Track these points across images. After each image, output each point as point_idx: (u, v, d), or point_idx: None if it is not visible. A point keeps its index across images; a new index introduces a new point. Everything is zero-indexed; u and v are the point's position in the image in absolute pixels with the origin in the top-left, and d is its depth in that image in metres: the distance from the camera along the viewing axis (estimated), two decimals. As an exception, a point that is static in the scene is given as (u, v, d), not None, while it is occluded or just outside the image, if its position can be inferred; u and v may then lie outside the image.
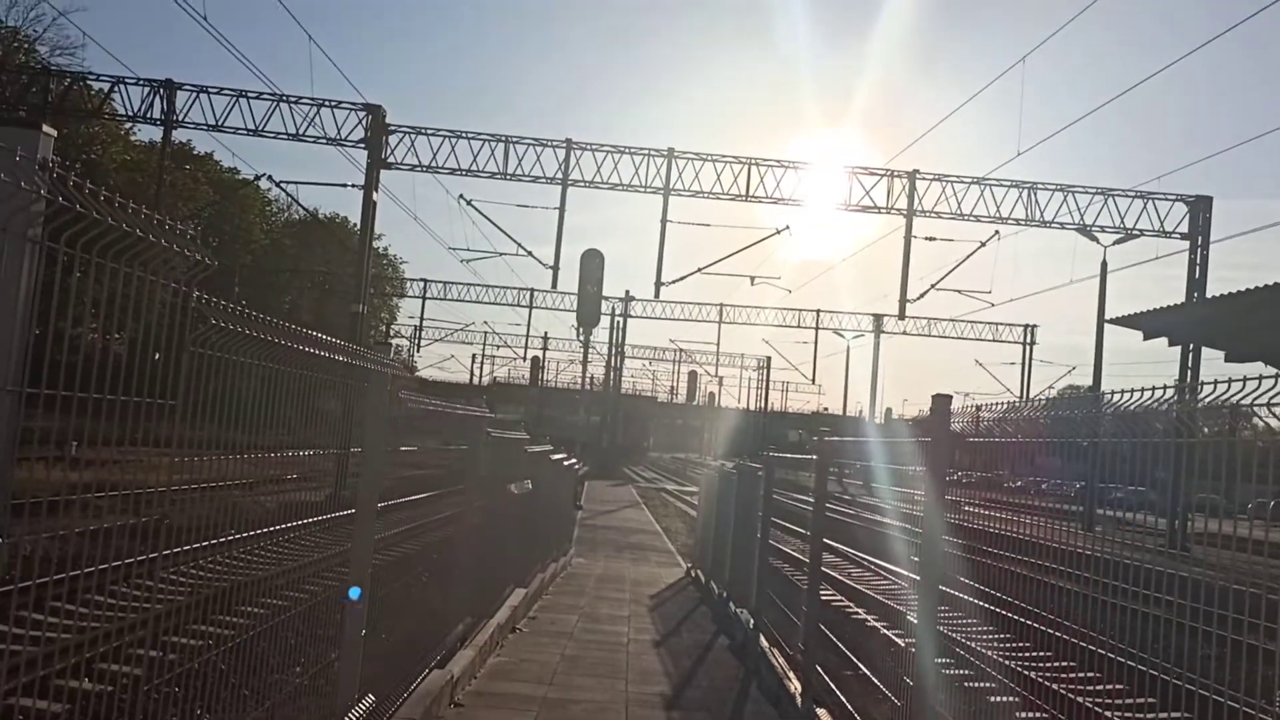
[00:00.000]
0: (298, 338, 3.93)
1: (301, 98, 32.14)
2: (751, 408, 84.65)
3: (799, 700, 8.41)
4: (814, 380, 73.25)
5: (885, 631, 7.03)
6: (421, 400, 7.14)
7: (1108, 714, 6.46)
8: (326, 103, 32.23)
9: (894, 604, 7.23)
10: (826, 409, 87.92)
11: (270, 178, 36.16)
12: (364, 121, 32.39)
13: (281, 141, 32.58)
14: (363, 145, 32.43)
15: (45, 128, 2.46)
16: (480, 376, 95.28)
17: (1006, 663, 5.46)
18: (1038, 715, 6.80)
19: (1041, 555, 5.10)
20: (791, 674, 9.20)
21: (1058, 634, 4.95)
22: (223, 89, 32.35)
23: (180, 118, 32.56)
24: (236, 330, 3.39)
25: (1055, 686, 7.75)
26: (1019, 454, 5.55)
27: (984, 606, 5.39)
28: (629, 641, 11.89)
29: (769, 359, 77.84)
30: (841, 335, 67.67)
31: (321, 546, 6.92)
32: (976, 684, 5.44)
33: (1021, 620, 5.20)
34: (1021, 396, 58.25)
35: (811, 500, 9.33)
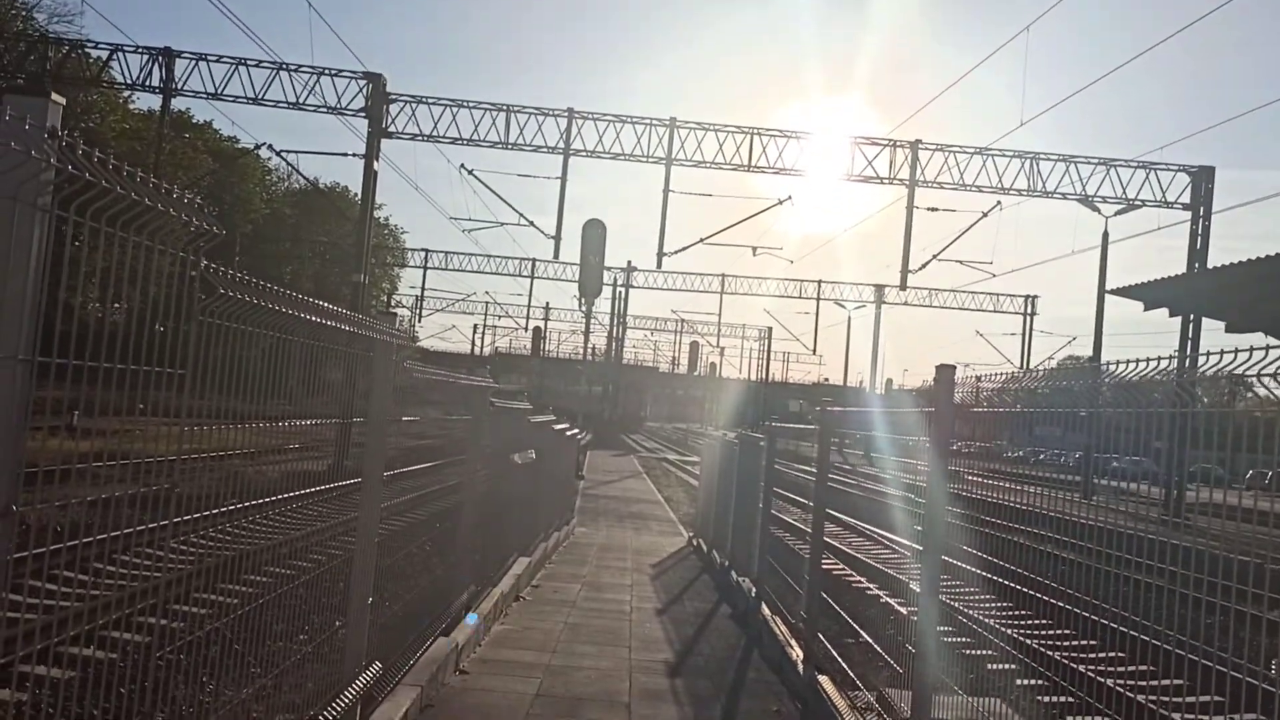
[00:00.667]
0: (305, 307, 3.94)
1: (301, 66, 32.00)
2: (753, 378, 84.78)
3: (801, 667, 8.48)
4: (815, 351, 73.37)
5: (887, 599, 7.08)
6: (427, 370, 7.16)
7: (1107, 681, 6.52)
8: (326, 71, 32.09)
9: (896, 573, 7.28)
10: (827, 379, 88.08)
11: (270, 146, 35.98)
12: (364, 90, 32.24)
13: (281, 110, 32.46)
14: (363, 114, 32.28)
15: (54, 95, 2.46)
16: (482, 347, 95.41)
17: (1007, 630, 5.51)
18: (1036, 681, 6.87)
19: (1041, 525, 5.13)
20: (793, 641, 9.28)
21: (1056, 602, 5.00)
22: (222, 57, 32.21)
23: (179, 86, 32.41)
24: (245, 299, 3.40)
25: (1055, 655, 7.82)
26: (1019, 424, 5.58)
27: (985, 576, 5.43)
28: (632, 610, 11.97)
29: (770, 329, 77.91)
30: (843, 306, 67.65)
31: (327, 515, 6.97)
32: (977, 651, 5.50)
33: (1021, 589, 5.24)
34: (1022, 367, 58.27)
35: (813, 470, 9.37)
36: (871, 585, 10.81)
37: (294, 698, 5.30)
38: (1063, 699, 7.23)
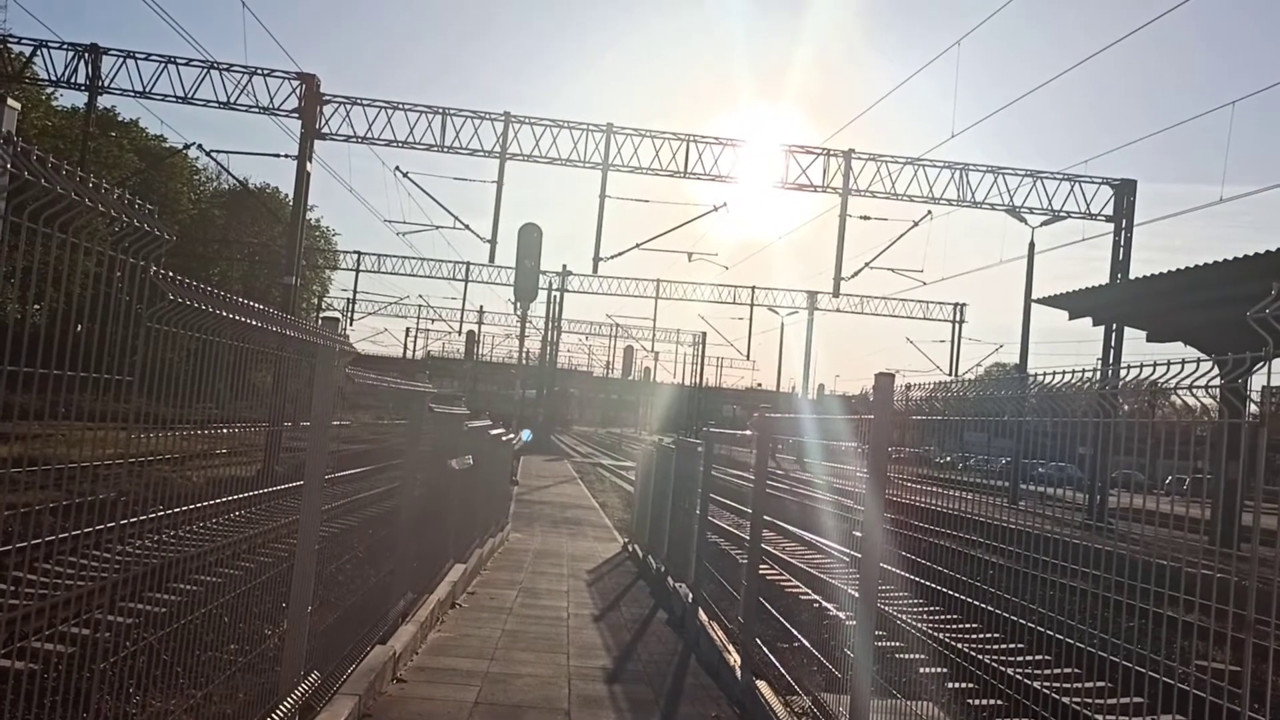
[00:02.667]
0: (251, 312, 3.91)
1: (233, 65, 31.48)
2: (687, 383, 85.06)
3: (738, 672, 8.56)
4: (748, 356, 73.78)
5: (824, 605, 7.18)
6: (370, 376, 7.11)
7: (1034, 684, 6.69)
8: (259, 71, 31.61)
9: (832, 579, 7.39)
10: (761, 385, 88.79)
11: (200, 146, 35.24)
12: (297, 91, 31.81)
13: (212, 110, 31.90)
14: (296, 115, 31.85)
15: (10, 101, 2.42)
16: (414, 351, 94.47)
17: (939, 635, 5.63)
18: (969, 685, 7.02)
19: (971, 530, 5.26)
20: (730, 647, 9.36)
21: (986, 606, 5.11)
22: (150, 55, 31.57)
23: (106, 83, 31.69)
24: (193, 305, 3.36)
25: (984, 658, 7.99)
26: (948, 431, 5.70)
27: (921, 582, 5.54)
28: (569, 616, 11.96)
29: (704, 335, 78.20)
30: (776, 312, 68.22)
31: (261, 521, 6.89)
32: (912, 656, 5.60)
33: (953, 594, 5.36)
34: (951, 374, 59.36)
35: (750, 476, 9.46)
36: (808, 590, 10.94)
37: (226, 708, 5.22)
38: (993, 701, 7.41)
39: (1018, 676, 7.24)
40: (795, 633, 7.76)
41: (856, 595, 5.93)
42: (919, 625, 5.52)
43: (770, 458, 9.10)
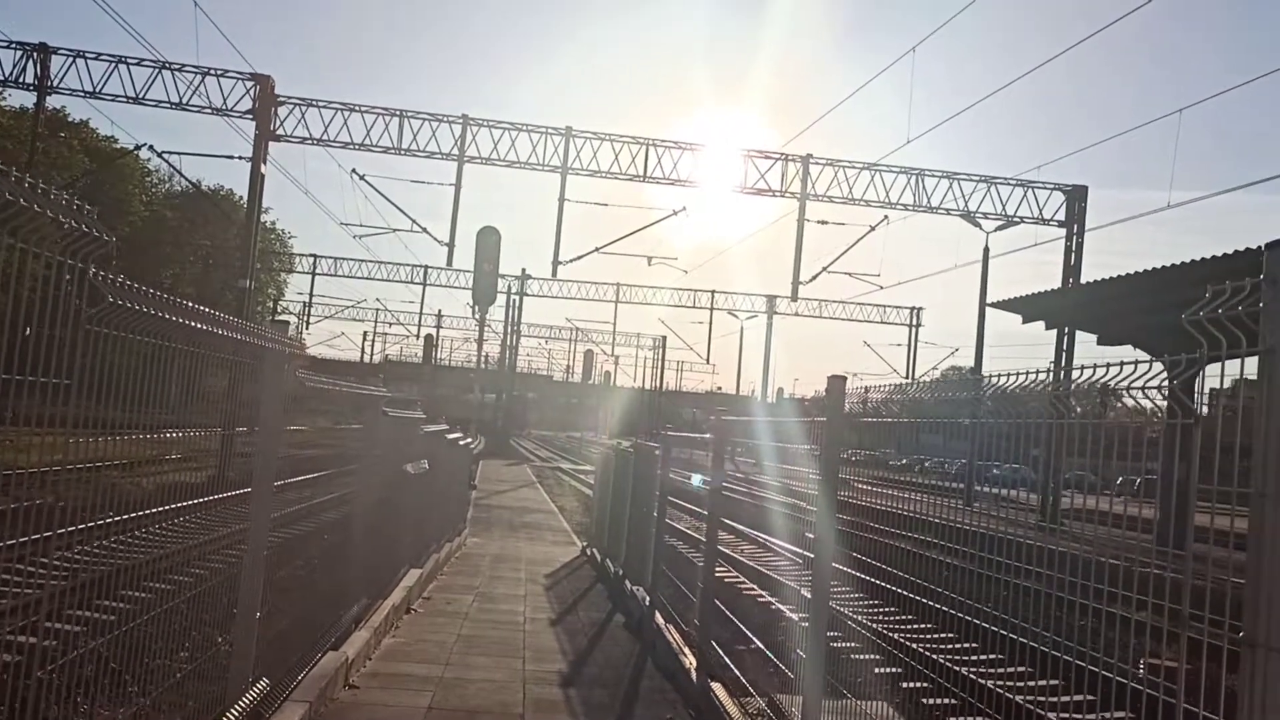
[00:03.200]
0: (195, 315, 3.85)
1: (185, 65, 31.11)
2: (647, 387, 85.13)
3: (694, 675, 8.57)
4: (708, 360, 73.95)
5: (779, 606, 7.21)
6: (319, 379, 7.04)
7: (987, 683, 6.76)
8: (212, 71, 31.28)
9: (787, 581, 7.42)
10: (721, 388, 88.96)
11: (151, 148, 34.71)
12: (251, 92, 31.52)
13: (164, 110, 31.47)
14: (250, 116, 31.57)
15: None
16: (372, 354, 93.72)
17: (892, 635, 5.67)
18: (922, 684, 7.07)
19: (924, 531, 5.31)
20: (687, 649, 9.36)
21: (939, 606, 5.16)
22: (100, 55, 31.15)
23: (55, 83, 31.21)
24: (134, 308, 3.31)
25: (936, 658, 8.05)
26: (906, 433, 5.74)
27: (872, 582, 5.58)
28: (525, 620, 11.92)
29: (664, 339, 78.39)
30: (735, 316, 68.46)
31: (211, 528, 6.79)
32: (865, 656, 5.63)
33: (906, 594, 5.40)
34: (908, 377, 59.85)
35: (708, 479, 9.47)
36: (764, 592, 10.98)
37: (174, 717, 5.16)
38: (945, 700, 7.46)
39: (970, 676, 7.31)
40: (750, 634, 7.77)
41: (809, 596, 5.97)
42: (871, 625, 5.55)
43: (728, 460, 9.15)
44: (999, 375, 4.21)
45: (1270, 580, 2.40)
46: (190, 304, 3.83)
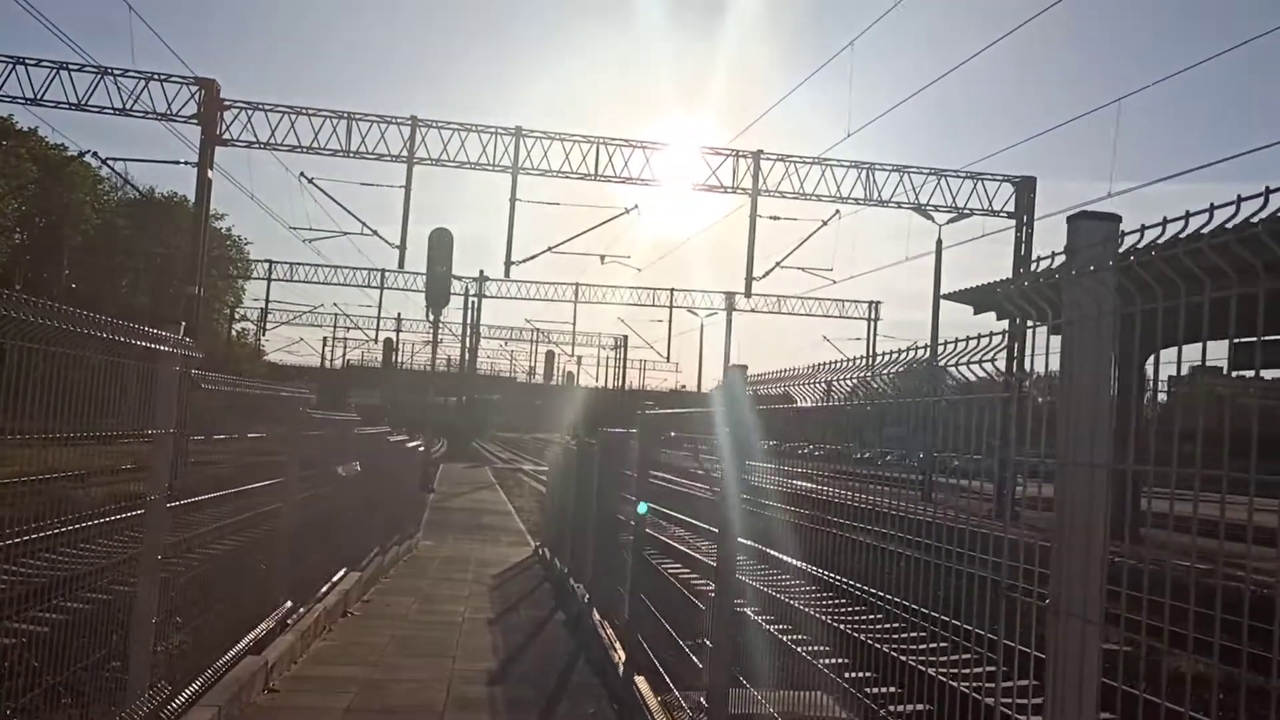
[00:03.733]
0: (40, 311, 3.78)
1: (128, 70, 30.71)
2: (610, 386, 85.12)
3: (621, 670, 8.57)
4: (669, 358, 74.09)
5: (692, 599, 7.22)
6: (223, 382, 6.96)
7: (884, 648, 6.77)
8: (155, 76, 30.87)
9: (694, 569, 7.43)
10: (684, 386, 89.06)
11: (95, 154, 34.38)
12: (196, 96, 31.16)
13: (108, 117, 31.06)
14: (195, 121, 31.19)
15: None
16: (332, 360, 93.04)
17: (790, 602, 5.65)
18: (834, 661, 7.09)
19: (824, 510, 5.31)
20: (618, 644, 9.36)
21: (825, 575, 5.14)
22: (41, 61, 30.60)
23: (-6, 90, 30.68)
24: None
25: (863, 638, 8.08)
26: (868, 423, 5.71)
27: (773, 555, 5.57)
28: (463, 621, 11.86)
29: (625, 338, 78.42)
30: (695, 313, 68.63)
31: (89, 556, 6.67)
32: (763, 647, 5.64)
33: (800, 567, 5.40)
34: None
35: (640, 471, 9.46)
36: (688, 582, 10.98)
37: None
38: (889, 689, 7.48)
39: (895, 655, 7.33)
40: (667, 626, 7.76)
41: (712, 588, 6.00)
42: (770, 594, 5.55)
43: (693, 456, 9.17)
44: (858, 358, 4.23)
45: (1070, 548, 2.42)
46: (29, 298, 3.75)
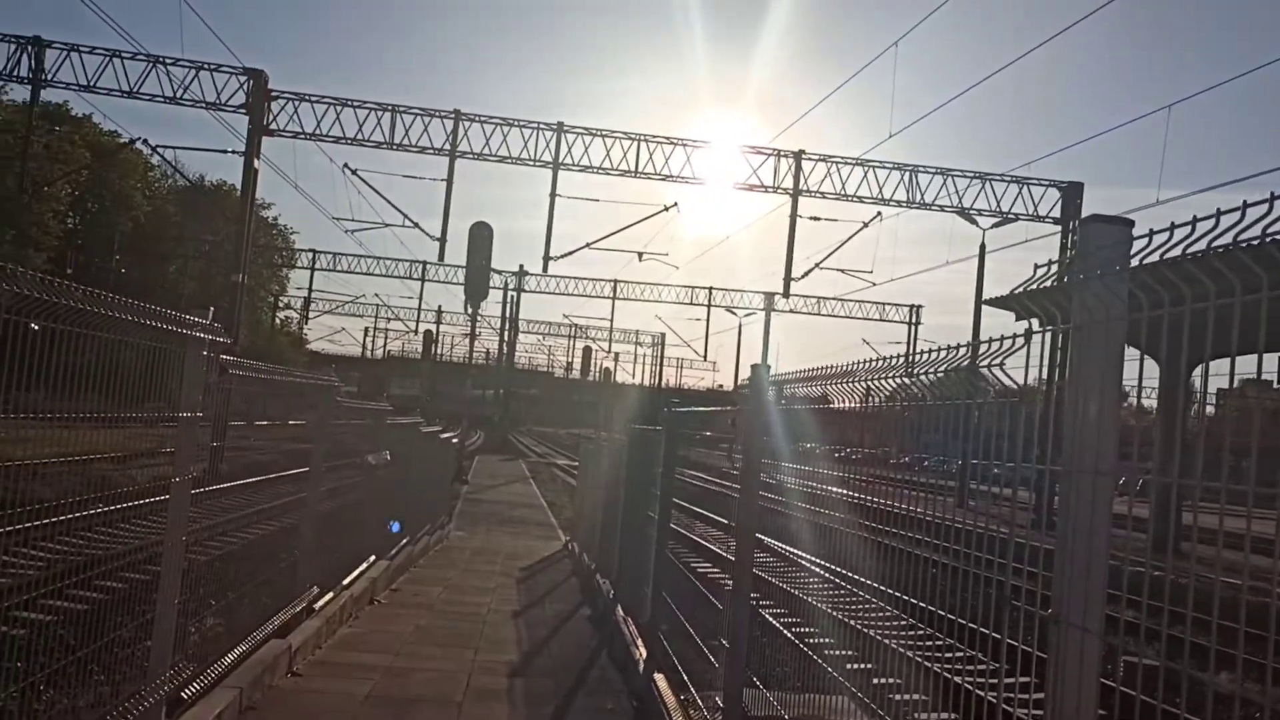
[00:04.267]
0: (65, 293, 3.83)
1: (179, 59, 31.15)
2: (647, 384, 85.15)
3: (642, 667, 8.56)
4: (706, 357, 73.94)
5: (708, 595, 7.20)
6: (251, 368, 7.03)
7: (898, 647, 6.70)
8: (205, 66, 31.27)
9: (714, 565, 7.41)
10: (721, 386, 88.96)
11: (145, 141, 34.80)
12: (245, 86, 31.50)
13: (159, 105, 31.54)
14: (243, 111, 31.54)
15: None
16: (373, 350, 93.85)
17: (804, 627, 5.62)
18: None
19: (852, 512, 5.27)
20: (639, 641, 9.35)
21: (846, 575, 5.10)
22: (95, 48, 31.09)
23: (49, 77, 31.23)
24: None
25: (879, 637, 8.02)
26: (907, 430, 5.66)
27: (789, 553, 5.54)
28: (489, 612, 11.91)
29: (663, 335, 78.40)
30: (733, 313, 68.37)
31: (124, 537, 6.78)
32: (778, 648, 5.62)
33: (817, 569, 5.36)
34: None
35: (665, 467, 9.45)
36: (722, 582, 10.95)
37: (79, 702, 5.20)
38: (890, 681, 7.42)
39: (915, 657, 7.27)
40: (687, 625, 7.74)
41: (729, 586, 5.98)
42: (783, 610, 5.53)
43: (727, 455, 9.21)
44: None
45: (1071, 557, 2.38)
46: (53, 280, 3.81)
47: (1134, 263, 2.22)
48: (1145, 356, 3.88)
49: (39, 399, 4.08)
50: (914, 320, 63.64)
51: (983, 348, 2.92)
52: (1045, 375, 2.77)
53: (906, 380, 3.43)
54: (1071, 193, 34.68)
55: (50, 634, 4.99)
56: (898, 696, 5.02)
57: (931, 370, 3.49)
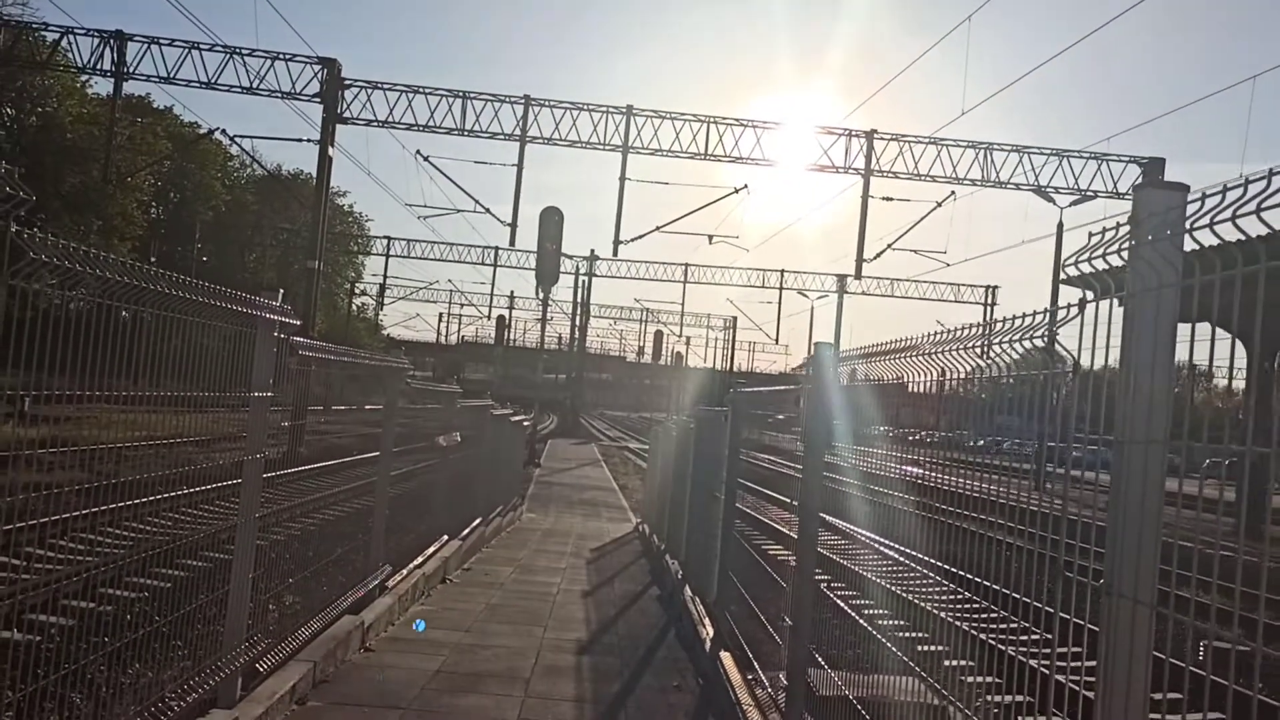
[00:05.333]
0: (142, 275, 3.96)
1: (255, 50, 31.81)
2: (718, 367, 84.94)
3: (708, 645, 8.60)
4: (777, 340, 73.52)
5: (774, 574, 7.20)
6: (322, 349, 7.18)
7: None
8: (280, 56, 31.90)
9: (781, 544, 7.40)
10: (793, 369, 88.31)
11: (224, 131, 35.62)
12: (319, 75, 32.06)
13: (236, 96, 32.22)
14: (318, 99, 32.11)
15: None
16: (447, 335, 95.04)
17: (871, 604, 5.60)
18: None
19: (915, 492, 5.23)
20: (706, 620, 9.39)
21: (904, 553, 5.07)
22: (174, 41, 31.93)
23: (131, 69, 32.09)
24: (67, 266, 3.43)
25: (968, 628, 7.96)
26: (981, 413, 5.61)
27: (856, 533, 5.52)
28: (559, 592, 12.05)
29: (735, 319, 78.11)
30: (805, 295, 67.90)
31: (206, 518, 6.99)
32: (841, 627, 5.60)
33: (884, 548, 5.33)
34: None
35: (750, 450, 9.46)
36: (774, 559, 10.94)
37: (167, 672, 5.39)
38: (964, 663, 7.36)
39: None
40: (753, 605, 7.75)
41: (794, 564, 5.98)
42: (848, 588, 5.51)
43: (750, 430, 9.18)
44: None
45: (1125, 528, 2.35)
46: (128, 262, 3.94)
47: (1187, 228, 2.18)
48: (1224, 332, 3.79)
49: (126, 383, 4.23)
50: (990, 301, 62.56)
51: (1035, 319, 2.89)
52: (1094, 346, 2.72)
53: (952, 356, 3.40)
54: (1153, 168, 33.77)
55: (136, 609, 5.20)
56: (969, 679, 4.99)
57: (976, 343, 3.46)
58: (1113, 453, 2.41)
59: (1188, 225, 2.13)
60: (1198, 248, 2.29)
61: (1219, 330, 2.48)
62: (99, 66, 32.32)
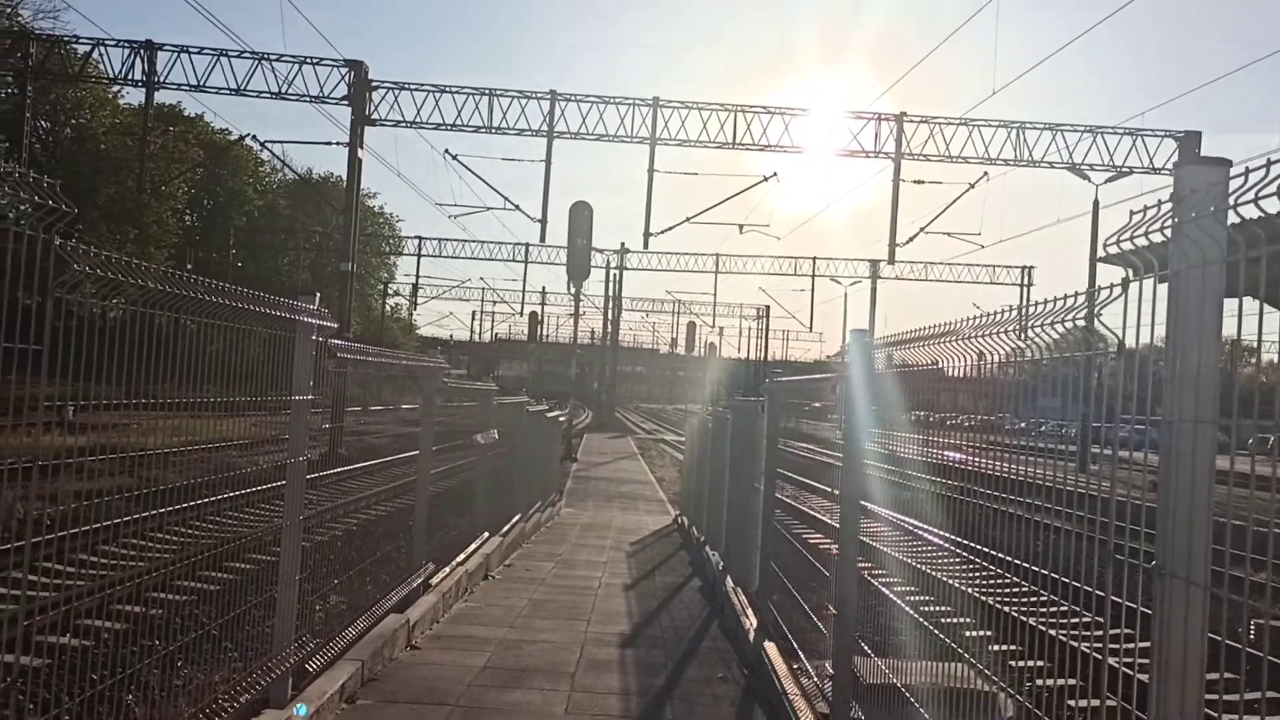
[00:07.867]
0: (179, 283, 4.01)
1: (283, 55, 32.03)
2: (752, 357, 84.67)
3: (752, 636, 8.60)
4: (811, 328, 73.18)
5: (816, 563, 7.18)
6: (360, 351, 7.24)
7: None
8: (308, 60, 32.10)
9: (822, 534, 7.37)
10: (829, 357, 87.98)
11: (254, 137, 36.01)
12: (346, 78, 32.23)
13: (265, 101, 32.50)
14: (346, 102, 32.28)
15: None
16: (480, 333, 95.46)
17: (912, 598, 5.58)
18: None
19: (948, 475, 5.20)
20: (749, 611, 9.39)
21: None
22: (203, 49, 32.21)
23: (161, 79, 32.44)
24: (108, 276, 3.48)
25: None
26: (1023, 396, 5.56)
27: (896, 520, 5.49)
28: (600, 586, 12.08)
29: (768, 308, 77.78)
30: (838, 282, 67.50)
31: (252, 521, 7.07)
32: (886, 614, 5.58)
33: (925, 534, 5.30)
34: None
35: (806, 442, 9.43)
36: (816, 547, 10.91)
37: (216, 676, 5.47)
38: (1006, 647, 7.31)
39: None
40: (796, 594, 7.74)
41: (836, 553, 5.96)
42: (892, 575, 5.49)
43: (786, 419, 9.15)
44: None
45: (1176, 509, 2.32)
46: (167, 270, 3.98)
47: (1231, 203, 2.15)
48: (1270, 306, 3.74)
49: (170, 389, 4.29)
50: (1026, 282, 61.95)
51: (1078, 299, 2.86)
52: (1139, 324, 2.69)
53: (990, 340, 3.37)
54: (1189, 142, 33.30)
55: (186, 612, 5.28)
56: (1018, 663, 4.95)
57: (1013, 327, 3.42)
58: (1160, 432, 2.39)
59: (1231, 200, 2.09)
60: (1239, 220, 2.27)
61: (1266, 306, 2.45)
62: (130, 77, 32.72)
